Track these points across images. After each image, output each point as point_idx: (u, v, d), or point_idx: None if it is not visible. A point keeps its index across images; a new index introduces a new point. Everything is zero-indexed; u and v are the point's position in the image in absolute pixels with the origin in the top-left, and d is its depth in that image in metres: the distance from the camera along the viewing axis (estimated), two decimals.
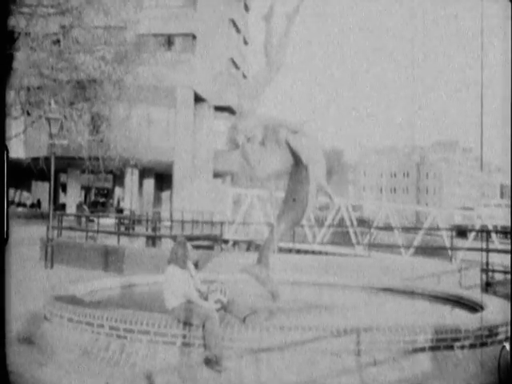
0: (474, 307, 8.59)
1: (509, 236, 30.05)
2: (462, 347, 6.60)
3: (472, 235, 22.12)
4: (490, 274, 13.78)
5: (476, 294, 9.94)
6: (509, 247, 22.61)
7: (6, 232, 4.67)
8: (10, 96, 25.37)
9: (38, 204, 45.81)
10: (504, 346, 6.16)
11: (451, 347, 6.55)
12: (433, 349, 6.46)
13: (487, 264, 13.74)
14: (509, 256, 16.91)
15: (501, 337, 6.97)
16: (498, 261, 16.16)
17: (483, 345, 6.74)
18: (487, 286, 13.20)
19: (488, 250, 14.60)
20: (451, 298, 9.57)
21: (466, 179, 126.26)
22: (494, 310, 7.69)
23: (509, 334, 7.07)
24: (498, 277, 14.50)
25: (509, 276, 14.29)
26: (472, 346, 6.66)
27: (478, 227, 24.01)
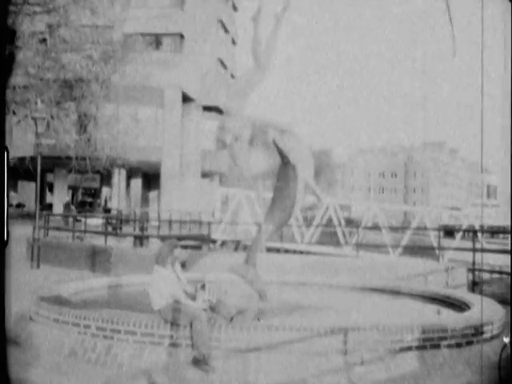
0: (460, 306, 8.63)
1: (495, 235, 30.29)
2: (449, 346, 6.62)
3: (459, 235, 22.25)
4: (477, 273, 13.87)
5: (463, 294, 9.99)
6: (495, 246, 22.79)
7: (6, 234, 4.64)
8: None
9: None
10: (505, 344, 6.19)
11: (438, 346, 6.57)
12: (419, 348, 6.48)
13: (474, 263, 13.83)
14: (495, 255, 17.05)
15: (487, 335, 7.01)
16: (485, 260, 16.27)
17: (470, 344, 6.77)
18: (474, 286, 13.28)
19: (476, 250, 14.68)
20: (438, 298, 9.61)
21: (453, 179, 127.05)
22: (481, 309, 7.73)
23: (495, 333, 7.12)
24: (485, 276, 14.60)
25: (494, 275, 14.40)
26: (458, 345, 6.69)
27: (465, 227, 24.17)
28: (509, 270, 13.64)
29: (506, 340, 6.18)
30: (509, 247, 20.72)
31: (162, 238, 20.18)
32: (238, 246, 22.51)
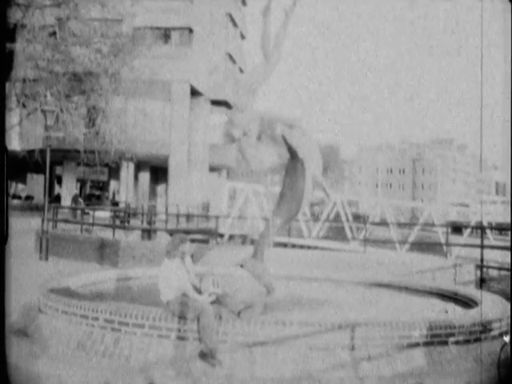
0: (468, 303, 8.61)
1: (503, 232, 30.18)
2: (457, 343, 6.62)
3: (467, 231, 22.19)
4: (485, 270, 13.83)
5: (470, 290, 9.96)
6: (504, 243, 22.70)
7: (6, 231, 4.66)
8: (6, 88, 25.23)
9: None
10: (505, 343, 6.17)
11: (445, 343, 6.57)
12: (427, 344, 6.47)
13: (482, 260, 13.78)
14: (503, 252, 16.98)
15: (495, 332, 6.99)
16: (493, 257, 16.22)
17: (477, 340, 6.76)
18: (482, 282, 13.25)
19: (483, 247, 14.63)
20: (446, 294, 9.59)
21: (461, 176, 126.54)
22: (489, 305, 7.71)
23: (503, 330, 7.10)
24: (493, 273, 14.56)
25: (503, 272, 14.35)
26: (466, 341, 6.68)
27: (473, 223, 24.10)
28: None
29: (506, 339, 6.17)
30: None
31: (170, 232, 20.24)
32: (245, 240, 22.53)
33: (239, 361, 6.20)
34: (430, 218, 23.01)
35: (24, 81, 26.11)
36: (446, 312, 8.73)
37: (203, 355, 6.24)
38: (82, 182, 45.48)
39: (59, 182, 44.71)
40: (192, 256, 7.20)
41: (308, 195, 8.67)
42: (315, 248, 20.05)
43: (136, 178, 43.09)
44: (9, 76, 24.16)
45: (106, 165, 31.68)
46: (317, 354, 6.21)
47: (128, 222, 27.12)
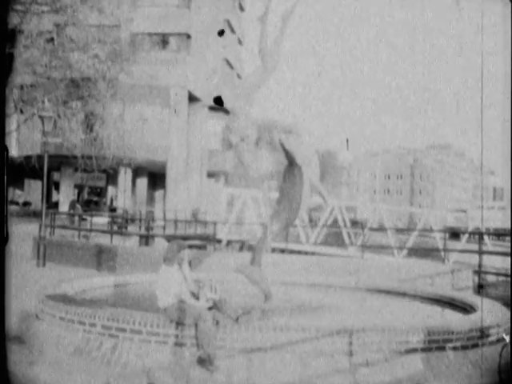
0: (466, 309, 8.61)
1: (501, 238, 30.21)
2: (454, 348, 6.61)
3: (465, 237, 22.20)
4: (482, 275, 13.83)
5: (468, 296, 9.96)
6: (501, 249, 22.71)
7: (5, 232, 4.65)
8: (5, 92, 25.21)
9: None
10: (506, 345, 6.17)
11: (443, 348, 6.56)
12: (425, 350, 6.47)
13: (480, 266, 13.78)
14: (500, 258, 16.98)
15: (492, 338, 6.99)
16: (490, 263, 16.23)
17: (475, 346, 6.76)
18: (479, 288, 13.25)
19: (481, 252, 14.63)
20: (443, 300, 9.59)
21: (459, 181, 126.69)
22: (486, 311, 7.71)
23: (501, 336, 7.09)
24: (490, 279, 14.57)
25: (500, 278, 14.35)
26: (464, 347, 6.67)
27: (470, 229, 24.12)
28: None
29: (507, 338, 6.17)
30: None
31: (168, 238, 20.22)
32: (243, 246, 22.51)
33: (237, 367, 6.19)
34: (428, 223, 23.04)
35: (21, 86, 26.13)
36: (441, 317, 8.73)
37: (201, 361, 6.23)
38: (79, 188, 45.44)
39: (57, 187, 44.67)
40: (190, 262, 7.19)
41: (306, 201, 8.67)
42: (313, 254, 20.03)
43: (134, 183, 43.07)
44: (8, 79, 24.17)
45: (104, 171, 31.67)
46: (315, 360, 6.20)
47: (126, 227, 27.09)
